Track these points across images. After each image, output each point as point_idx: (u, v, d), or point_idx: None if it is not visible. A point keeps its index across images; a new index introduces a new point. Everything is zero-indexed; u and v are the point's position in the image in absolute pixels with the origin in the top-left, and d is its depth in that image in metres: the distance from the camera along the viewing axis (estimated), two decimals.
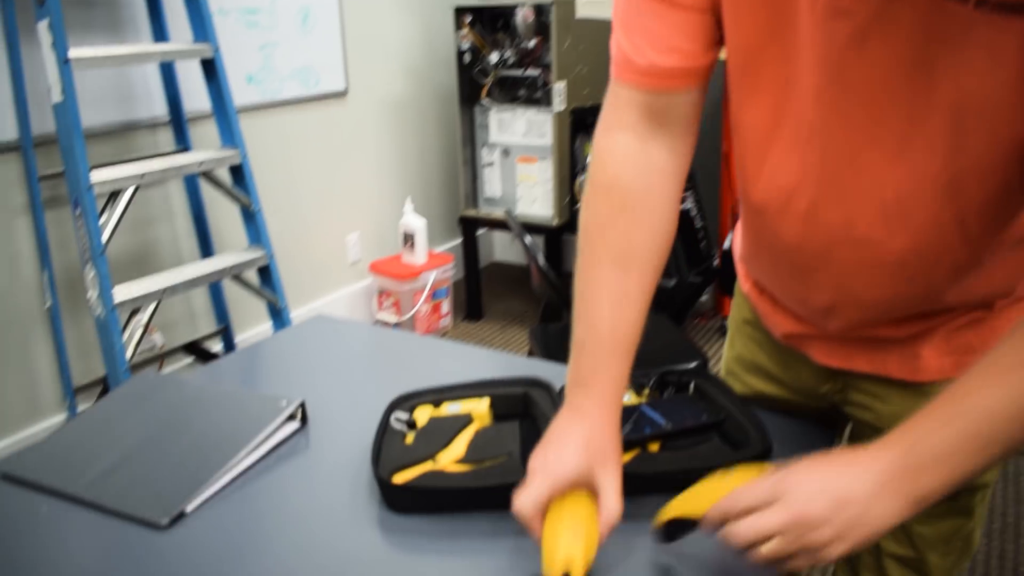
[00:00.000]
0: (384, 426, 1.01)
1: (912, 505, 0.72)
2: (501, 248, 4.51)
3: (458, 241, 3.84)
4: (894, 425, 0.87)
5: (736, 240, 1.16)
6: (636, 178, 0.91)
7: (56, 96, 2.07)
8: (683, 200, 3.25)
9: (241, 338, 2.96)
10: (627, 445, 0.96)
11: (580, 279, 0.93)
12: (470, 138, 3.58)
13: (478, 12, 3.37)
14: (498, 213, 3.55)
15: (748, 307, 1.16)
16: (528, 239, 1.90)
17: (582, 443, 0.84)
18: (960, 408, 0.73)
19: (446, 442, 0.97)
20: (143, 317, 2.27)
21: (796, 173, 0.85)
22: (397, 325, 3.40)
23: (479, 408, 1.04)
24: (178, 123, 2.63)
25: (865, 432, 1.04)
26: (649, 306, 0.92)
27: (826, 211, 0.84)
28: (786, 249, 0.92)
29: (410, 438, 0.99)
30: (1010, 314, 0.92)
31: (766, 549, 0.72)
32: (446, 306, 3.54)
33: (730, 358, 1.23)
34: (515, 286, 4.08)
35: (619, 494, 0.82)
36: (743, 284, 1.15)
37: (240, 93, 2.86)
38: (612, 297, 0.91)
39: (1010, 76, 0.70)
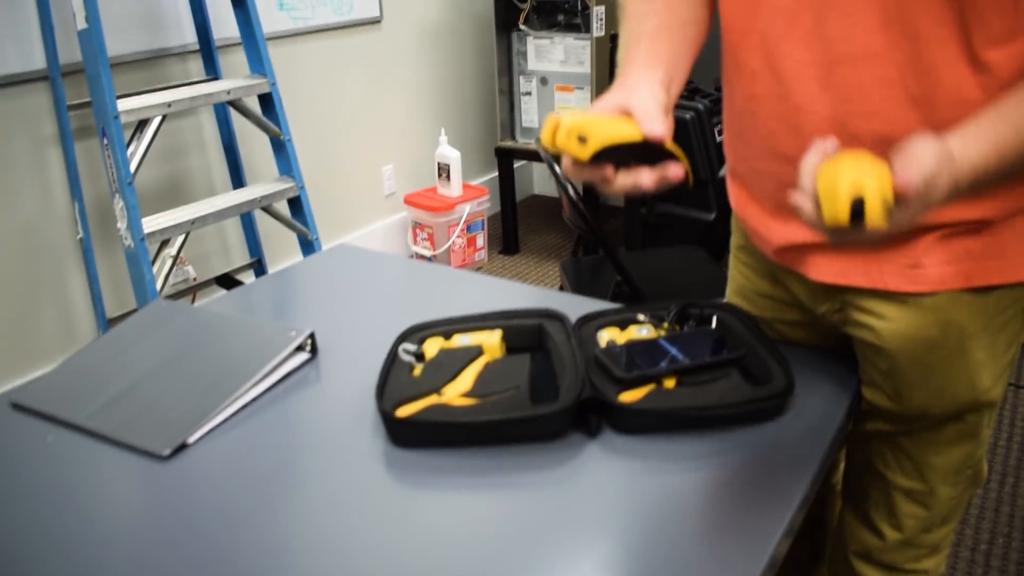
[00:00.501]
0: (392, 358, 0.99)
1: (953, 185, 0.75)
2: (540, 181, 4.44)
3: (495, 174, 3.78)
4: (897, 344, 0.92)
5: (727, 152, 1.11)
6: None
7: (81, 23, 2.04)
8: (719, 133, 3.15)
9: (275, 271, 2.95)
10: (641, 380, 0.93)
11: (626, 19, 1.00)
12: (507, 66, 3.49)
13: None
14: (535, 145, 3.48)
15: (740, 231, 1.15)
16: (559, 169, 1.84)
17: (617, 90, 0.88)
18: (999, 111, 0.78)
19: (453, 375, 0.94)
20: (173, 249, 2.27)
21: None
22: (432, 258, 3.37)
23: (491, 340, 1.01)
24: (207, 51, 2.59)
25: (868, 354, 0.99)
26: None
27: (830, 25, 0.83)
28: (783, 92, 0.90)
29: (418, 370, 0.96)
30: (1012, 224, 0.89)
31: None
32: (481, 240, 3.50)
33: (730, 292, 1.21)
34: (552, 219, 4.02)
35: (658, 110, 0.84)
36: (733, 201, 1.11)
37: (271, 20, 2.81)
38: (659, 17, 0.97)
39: None
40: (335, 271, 1.38)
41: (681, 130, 3.01)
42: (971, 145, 0.77)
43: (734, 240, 1.19)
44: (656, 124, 0.82)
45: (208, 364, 1.03)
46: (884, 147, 0.77)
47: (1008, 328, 0.95)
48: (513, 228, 3.63)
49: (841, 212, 0.68)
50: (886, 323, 0.94)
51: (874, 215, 0.68)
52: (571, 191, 1.79)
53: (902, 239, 0.90)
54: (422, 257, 3.42)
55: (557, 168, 1.87)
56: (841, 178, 0.69)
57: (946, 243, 0.89)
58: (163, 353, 1.06)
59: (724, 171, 1.15)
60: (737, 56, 0.95)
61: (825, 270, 0.96)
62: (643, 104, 0.84)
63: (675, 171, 0.82)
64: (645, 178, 0.82)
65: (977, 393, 0.96)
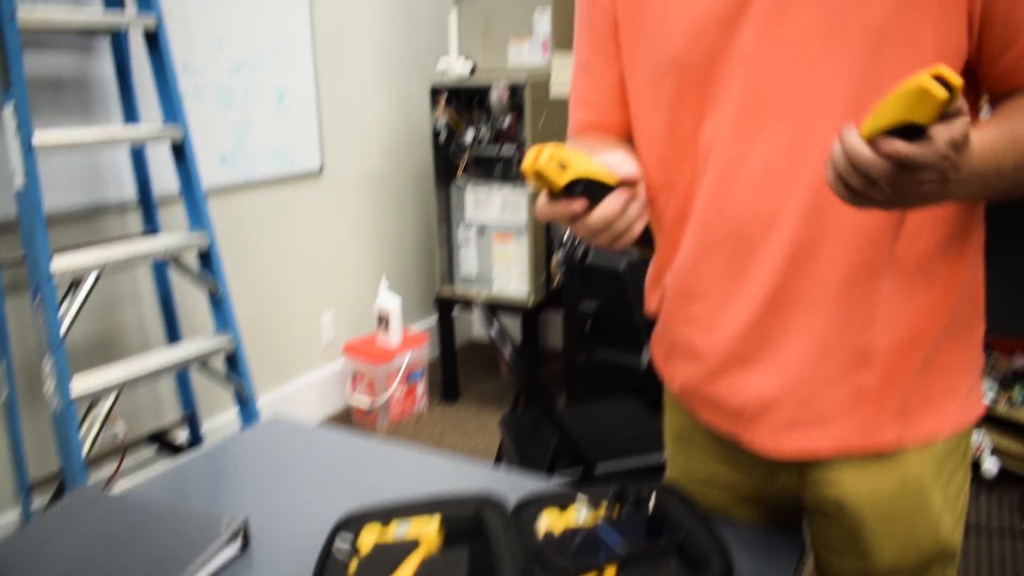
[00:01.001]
0: (326, 554, 0.96)
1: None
2: (479, 326, 4.48)
3: (434, 319, 3.80)
4: (861, 502, 0.97)
5: (655, 349, 1.15)
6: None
7: (18, 182, 2.04)
8: None
9: (208, 425, 2.89)
10: (581, 571, 0.92)
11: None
12: (446, 216, 3.57)
13: (454, 91, 3.39)
14: (475, 292, 3.52)
15: (679, 416, 1.16)
16: (496, 329, 1.86)
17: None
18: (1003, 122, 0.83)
19: (389, 572, 0.92)
20: (104, 407, 2.21)
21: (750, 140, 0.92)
22: (370, 409, 3.34)
23: (428, 529, 0.99)
24: (147, 205, 2.60)
25: (830, 518, 1.01)
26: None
27: (781, 170, 0.91)
28: (730, 234, 0.96)
29: (353, 566, 0.94)
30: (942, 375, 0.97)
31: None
32: (421, 388, 3.49)
33: (672, 476, 1.20)
34: (493, 365, 4.03)
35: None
36: (670, 382, 1.13)
37: (213, 173, 2.85)
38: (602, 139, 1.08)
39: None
40: (271, 447, 1.35)
41: (613, 279, 3.08)
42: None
43: (672, 428, 1.19)
44: (631, 167, 0.88)
45: (132, 562, 0.99)
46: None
47: (957, 473, 1.00)
48: (453, 375, 3.63)
49: (930, 88, 0.67)
50: (849, 484, 0.97)
51: (953, 78, 0.67)
52: (507, 353, 1.80)
53: (859, 409, 0.95)
54: (360, 409, 3.39)
55: (495, 328, 1.89)
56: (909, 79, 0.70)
57: (901, 405, 0.95)
58: (83, 551, 1.02)
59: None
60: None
61: (786, 444, 0.99)
62: (618, 159, 0.90)
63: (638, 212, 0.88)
64: (611, 205, 0.86)
65: (941, 541, 0.99)
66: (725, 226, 0.96)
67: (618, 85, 1.06)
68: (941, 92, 0.67)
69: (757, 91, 0.92)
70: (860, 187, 0.73)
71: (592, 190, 0.85)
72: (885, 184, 0.72)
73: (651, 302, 1.15)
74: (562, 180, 0.83)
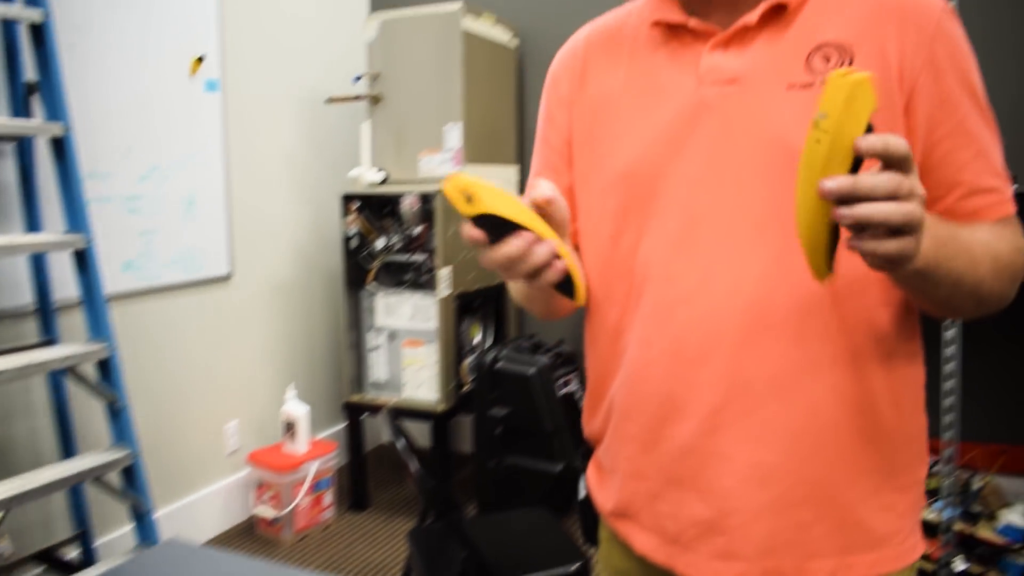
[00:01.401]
0: None
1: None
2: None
3: (343, 426, 3.75)
4: None
5: (591, 475, 1.16)
6: None
7: None
8: (567, 382, 3.27)
9: (101, 542, 2.76)
10: None
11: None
12: (356, 322, 3.56)
13: (365, 199, 3.43)
14: (384, 398, 3.50)
15: (616, 552, 1.14)
16: (401, 442, 1.86)
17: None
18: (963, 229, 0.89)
19: None
20: None
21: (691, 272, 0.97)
22: (275, 520, 3.24)
23: None
24: (45, 312, 2.53)
25: None
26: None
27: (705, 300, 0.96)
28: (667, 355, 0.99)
29: None
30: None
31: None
32: (328, 497, 3.41)
33: None
34: (403, 472, 3.98)
35: None
36: (603, 506, 1.13)
37: (116, 280, 2.80)
38: None
39: None
40: (167, 574, 1.31)
41: (523, 385, 3.11)
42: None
43: (606, 569, 1.18)
44: (545, 188, 0.90)
45: None
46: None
47: None
48: (362, 483, 3.56)
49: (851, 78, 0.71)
50: None
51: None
52: (413, 467, 1.80)
53: (797, 543, 0.96)
54: (264, 520, 3.29)
55: (401, 442, 1.88)
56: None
57: (840, 544, 0.97)
58: None
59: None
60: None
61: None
62: (540, 186, 0.92)
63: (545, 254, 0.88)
64: (512, 246, 0.86)
65: None
66: (664, 343, 0.99)
67: (567, 198, 1.09)
68: (860, 74, 0.71)
69: (696, 212, 0.97)
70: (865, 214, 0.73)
71: (496, 226, 0.86)
72: (884, 194, 0.72)
73: (591, 423, 1.15)
74: (467, 212, 0.86)
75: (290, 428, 3.35)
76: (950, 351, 2.79)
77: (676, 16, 1.01)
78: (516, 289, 1.15)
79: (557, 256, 0.88)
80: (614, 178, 1.04)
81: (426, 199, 3.31)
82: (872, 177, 0.72)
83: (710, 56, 0.98)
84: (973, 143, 0.95)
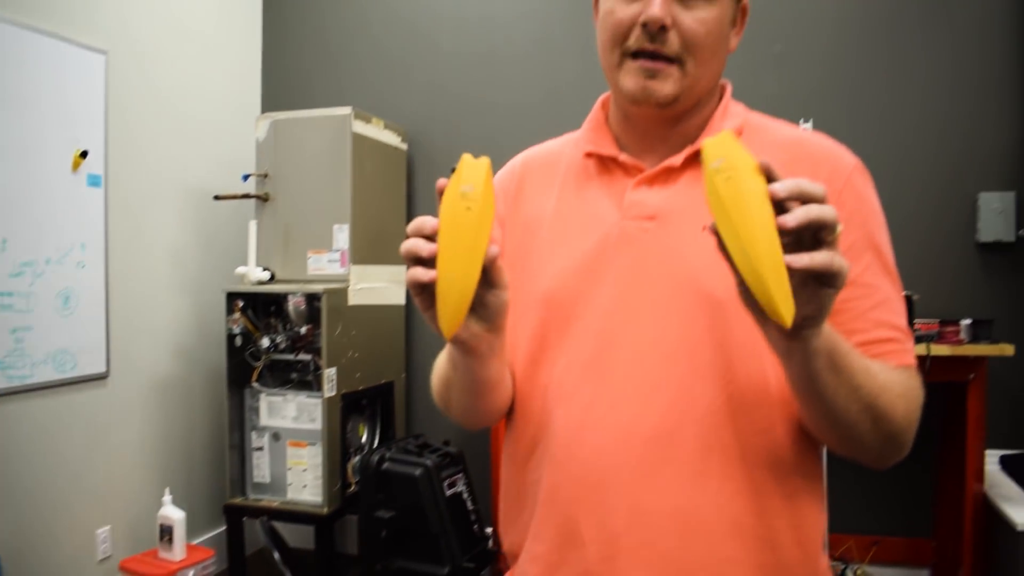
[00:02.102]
0: None
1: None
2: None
3: (222, 529, 3.62)
4: None
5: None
6: None
7: None
8: (454, 483, 3.26)
9: None
10: None
11: (437, 365, 1.15)
12: (239, 422, 3.49)
13: (251, 297, 3.40)
14: (267, 500, 3.41)
15: None
16: (277, 556, 1.82)
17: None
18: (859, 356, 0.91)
19: None
20: None
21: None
22: None
23: None
24: None
25: None
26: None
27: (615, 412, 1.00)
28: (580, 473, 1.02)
29: None
30: None
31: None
32: None
33: None
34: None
35: None
36: None
37: None
38: None
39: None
40: None
41: (410, 485, 3.08)
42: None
43: None
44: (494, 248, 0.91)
45: None
46: None
47: None
48: None
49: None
50: None
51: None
52: (279, 559, 1.76)
53: None
54: None
55: (276, 555, 1.84)
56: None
57: None
58: None
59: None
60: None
61: None
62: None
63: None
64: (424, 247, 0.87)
65: None
66: (572, 467, 1.02)
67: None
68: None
69: (609, 340, 1.02)
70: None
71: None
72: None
73: (509, 536, 1.17)
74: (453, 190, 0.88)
75: (166, 533, 3.23)
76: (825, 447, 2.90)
77: (608, 149, 1.10)
78: (439, 379, 1.16)
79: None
80: (536, 300, 1.09)
81: (313, 299, 3.30)
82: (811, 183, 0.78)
83: (634, 192, 1.06)
84: (872, 295, 1.00)
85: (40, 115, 2.96)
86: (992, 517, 2.79)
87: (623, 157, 1.09)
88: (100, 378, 3.25)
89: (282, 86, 4.23)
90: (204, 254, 3.83)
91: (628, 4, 1.03)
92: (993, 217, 3.21)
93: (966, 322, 2.92)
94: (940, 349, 2.82)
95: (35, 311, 2.93)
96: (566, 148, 1.19)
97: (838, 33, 3.47)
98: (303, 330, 3.33)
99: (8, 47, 2.82)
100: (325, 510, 3.29)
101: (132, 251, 3.41)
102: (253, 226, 3.45)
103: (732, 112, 1.11)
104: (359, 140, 3.45)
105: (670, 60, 1.02)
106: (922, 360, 2.72)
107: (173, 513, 3.22)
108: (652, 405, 0.99)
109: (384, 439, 3.65)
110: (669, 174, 1.06)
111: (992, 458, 3.00)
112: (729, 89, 1.14)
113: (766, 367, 0.98)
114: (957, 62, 3.34)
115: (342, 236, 3.39)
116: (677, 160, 1.05)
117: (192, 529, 3.51)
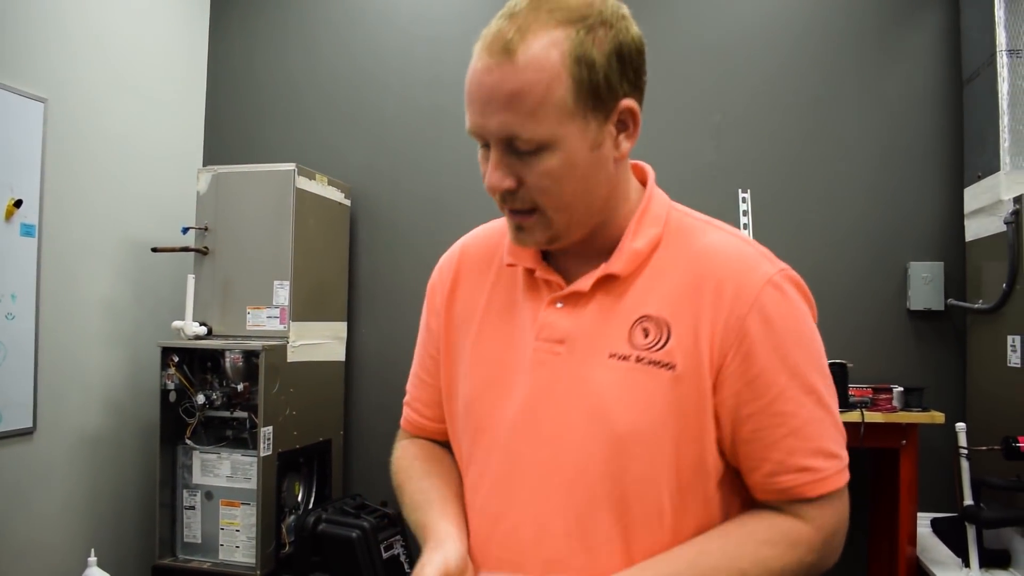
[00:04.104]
0: None
1: None
2: None
3: None
4: None
5: None
6: (425, 450, 1.22)
7: None
8: (391, 545, 3.21)
9: None
10: None
11: (405, 488, 1.18)
12: (171, 479, 3.39)
13: (186, 352, 3.33)
14: (197, 561, 3.31)
15: None
16: None
17: (435, 549, 1.02)
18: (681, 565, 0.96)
19: None
20: None
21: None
22: None
23: None
24: None
25: None
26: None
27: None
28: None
29: None
30: None
31: None
32: None
33: None
34: None
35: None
36: None
37: None
38: (435, 476, 1.16)
39: (661, 413, 0.97)
40: None
41: (347, 548, 3.02)
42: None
43: None
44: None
45: None
46: None
47: None
48: None
49: None
50: None
51: None
52: None
53: None
54: None
55: None
56: None
57: None
58: None
59: None
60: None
61: None
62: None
63: None
64: None
65: None
66: (485, 571, 1.05)
67: (437, 401, 1.21)
68: None
69: (515, 459, 1.04)
70: None
71: None
72: None
73: None
74: None
75: None
76: None
77: (527, 262, 1.08)
78: (400, 488, 1.22)
79: None
80: (460, 402, 1.13)
81: (251, 355, 3.25)
82: None
83: (546, 312, 1.05)
84: (785, 423, 0.97)
85: None
86: None
87: (539, 273, 1.07)
88: (26, 433, 3.14)
89: (225, 139, 4.20)
90: (140, 307, 3.75)
91: (483, 160, 1.01)
92: (922, 286, 3.32)
93: (898, 389, 2.99)
94: (874, 416, 2.88)
95: None
96: (498, 250, 1.16)
97: (776, 105, 3.58)
98: (240, 387, 3.27)
99: None
100: (258, 573, 3.20)
101: (65, 302, 3.32)
102: (191, 280, 3.40)
103: (653, 215, 1.06)
104: (302, 196, 3.43)
105: (530, 212, 1.00)
106: (856, 427, 2.79)
107: (98, 575, 3.10)
108: (549, 532, 1.00)
109: (320, 498, 3.58)
110: (579, 297, 1.04)
111: (923, 521, 3.05)
112: (651, 186, 1.10)
113: (663, 499, 0.98)
114: (889, 135, 3.47)
115: (283, 292, 3.35)
116: (585, 286, 1.03)
117: None
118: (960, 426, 2.72)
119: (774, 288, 0.99)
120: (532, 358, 1.04)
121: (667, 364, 0.97)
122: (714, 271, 0.99)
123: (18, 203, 3.06)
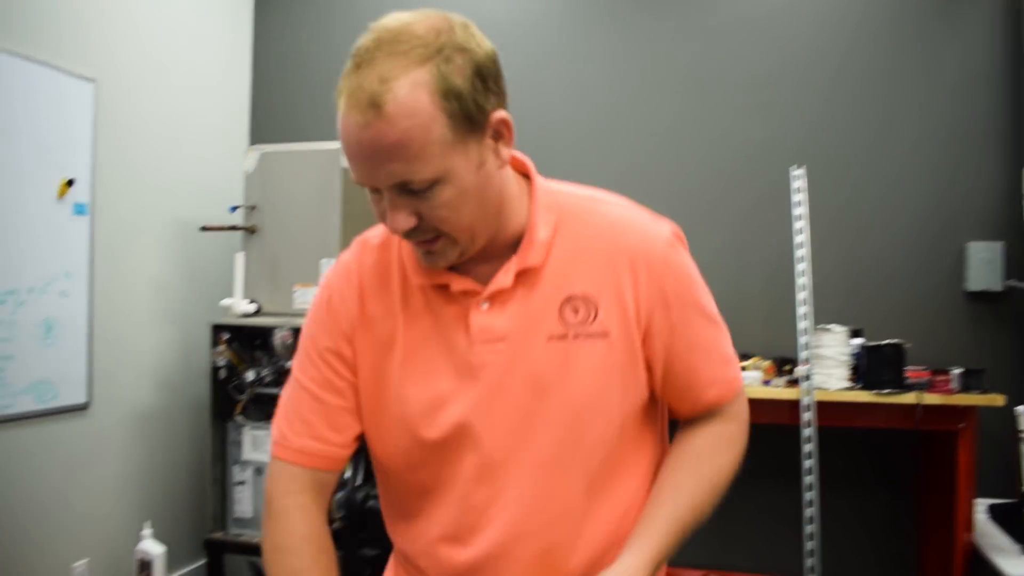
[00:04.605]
0: None
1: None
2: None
3: (203, 562, 3.56)
4: None
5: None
6: (311, 539, 1.14)
7: None
8: None
9: None
10: None
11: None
12: (221, 455, 3.44)
13: (236, 330, 3.36)
14: (248, 535, 3.35)
15: None
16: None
17: None
18: (663, 524, 1.10)
19: None
20: None
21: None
22: None
23: None
24: None
25: None
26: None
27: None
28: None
29: None
30: None
31: None
32: None
33: None
34: None
35: None
36: None
37: None
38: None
39: (605, 378, 1.09)
40: None
41: None
42: (645, 546, 1.08)
43: None
44: None
45: None
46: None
47: None
48: None
49: None
50: None
51: None
52: None
53: None
54: None
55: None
56: None
57: None
58: None
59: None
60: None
61: None
62: None
63: None
64: None
65: None
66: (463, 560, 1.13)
67: (351, 424, 1.17)
68: None
69: (486, 454, 1.10)
70: None
71: None
72: None
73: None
74: None
75: (145, 568, 3.17)
76: (809, 496, 2.89)
77: (438, 278, 1.11)
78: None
79: None
80: (401, 424, 1.13)
81: (299, 332, 3.25)
82: None
83: (477, 316, 1.10)
84: (700, 348, 1.15)
85: (27, 142, 2.93)
86: (982, 568, 2.77)
87: (455, 286, 1.10)
88: (81, 408, 3.20)
89: (271, 118, 4.22)
90: (189, 285, 3.79)
91: (376, 203, 1.04)
92: (981, 267, 3.23)
93: (957, 371, 2.92)
94: (931, 398, 2.82)
95: (17, 340, 2.89)
96: (392, 267, 1.16)
97: (829, 80, 3.49)
98: (288, 364, 3.28)
99: None
100: None
101: (117, 280, 3.37)
102: (240, 258, 3.42)
103: (546, 204, 1.12)
104: (349, 175, 3.42)
105: (434, 239, 1.04)
106: (912, 409, 2.73)
107: (153, 548, 3.17)
108: (534, 508, 1.10)
109: (368, 475, 3.60)
110: (503, 294, 1.10)
111: (981, 507, 2.99)
112: (534, 176, 1.15)
113: (621, 448, 1.14)
114: (947, 113, 3.37)
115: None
116: (507, 282, 1.09)
117: (172, 563, 3.45)
118: (1020, 409, 2.65)
119: (671, 247, 1.13)
120: (474, 361, 1.09)
121: (601, 334, 1.09)
122: (621, 246, 1.11)
123: (70, 182, 3.10)
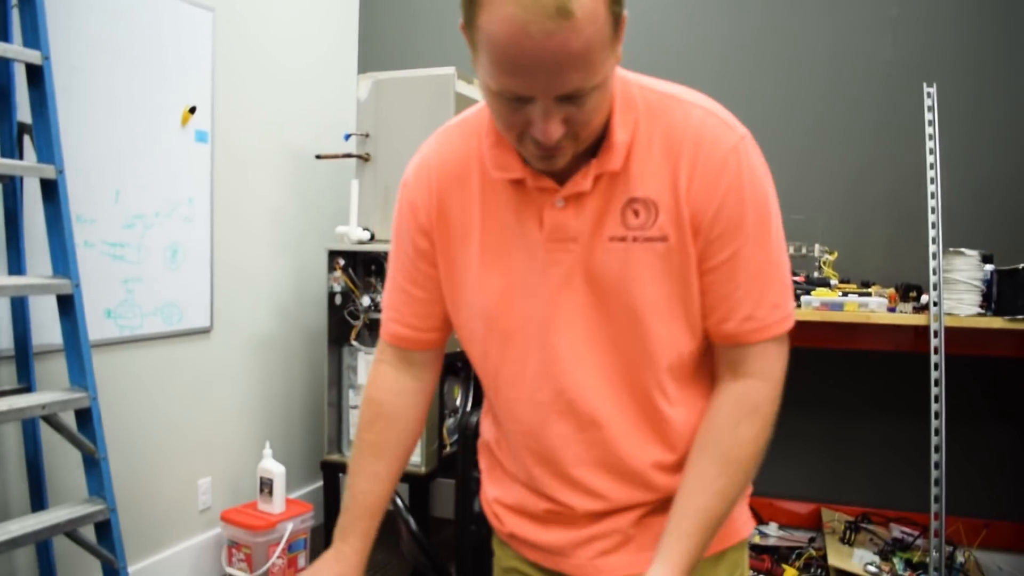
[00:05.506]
0: None
1: None
2: None
3: (319, 485, 3.66)
4: None
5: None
6: (390, 397, 1.32)
7: None
8: None
9: None
10: None
11: (351, 461, 1.32)
12: (337, 380, 3.51)
13: (351, 256, 3.41)
14: None
15: (508, 554, 1.36)
16: (395, 504, 1.81)
17: (337, 571, 1.26)
18: (692, 521, 1.09)
19: None
20: None
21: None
22: None
23: None
24: (23, 358, 2.46)
25: None
26: (397, 480, 1.34)
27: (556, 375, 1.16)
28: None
29: None
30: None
31: None
32: (303, 560, 3.31)
33: None
34: (381, 534, 3.87)
35: None
36: (500, 529, 1.34)
37: (96, 328, 2.73)
38: (367, 477, 1.30)
39: (665, 281, 1.09)
40: None
41: None
42: (675, 551, 1.07)
43: (498, 566, 1.41)
44: None
45: None
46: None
47: (738, 569, 1.26)
48: None
49: None
50: None
51: None
52: (413, 526, 1.74)
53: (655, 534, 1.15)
54: None
55: (399, 500, 1.83)
56: None
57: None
58: None
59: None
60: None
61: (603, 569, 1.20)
62: None
63: None
64: None
65: None
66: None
67: (432, 312, 1.27)
68: None
69: (552, 349, 1.14)
70: None
71: None
72: None
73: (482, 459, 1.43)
74: None
75: (266, 487, 3.27)
76: (936, 424, 2.80)
77: (515, 172, 1.11)
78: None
79: None
80: (477, 312, 1.19)
81: None
82: None
83: (551, 213, 1.11)
84: (739, 274, 1.09)
85: (151, 71, 3.00)
86: None
87: (531, 182, 1.11)
88: (204, 332, 3.30)
89: (380, 46, 4.23)
90: (305, 213, 3.86)
91: (514, 111, 0.99)
92: None
93: None
94: None
95: (145, 263, 2.98)
96: (472, 160, 1.18)
97: None
98: None
99: (121, 4, 2.85)
100: (423, 470, 3.29)
101: (236, 208, 3.45)
102: (354, 185, 3.45)
103: (626, 103, 1.09)
104: (462, 101, 3.41)
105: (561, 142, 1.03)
106: None
107: (274, 467, 3.26)
108: (602, 396, 1.14)
109: (477, 401, 3.64)
110: (580, 196, 1.10)
111: None
112: (615, 73, 1.10)
113: (684, 352, 1.14)
114: None
115: None
116: (587, 186, 1.08)
117: (290, 483, 3.56)
118: None
119: (741, 150, 1.07)
120: (545, 259, 1.12)
121: (660, 238, 1.07)
122: (687, 147, 1.07)
123: (193, 110, 3.17)
